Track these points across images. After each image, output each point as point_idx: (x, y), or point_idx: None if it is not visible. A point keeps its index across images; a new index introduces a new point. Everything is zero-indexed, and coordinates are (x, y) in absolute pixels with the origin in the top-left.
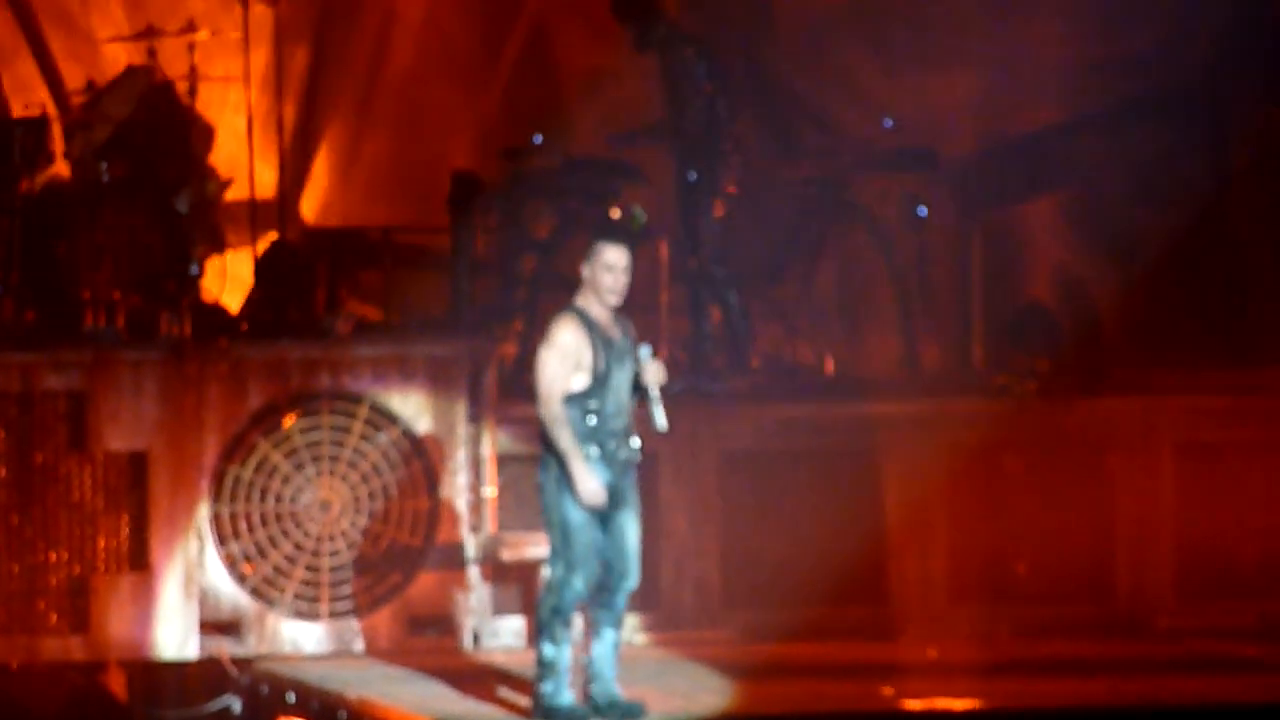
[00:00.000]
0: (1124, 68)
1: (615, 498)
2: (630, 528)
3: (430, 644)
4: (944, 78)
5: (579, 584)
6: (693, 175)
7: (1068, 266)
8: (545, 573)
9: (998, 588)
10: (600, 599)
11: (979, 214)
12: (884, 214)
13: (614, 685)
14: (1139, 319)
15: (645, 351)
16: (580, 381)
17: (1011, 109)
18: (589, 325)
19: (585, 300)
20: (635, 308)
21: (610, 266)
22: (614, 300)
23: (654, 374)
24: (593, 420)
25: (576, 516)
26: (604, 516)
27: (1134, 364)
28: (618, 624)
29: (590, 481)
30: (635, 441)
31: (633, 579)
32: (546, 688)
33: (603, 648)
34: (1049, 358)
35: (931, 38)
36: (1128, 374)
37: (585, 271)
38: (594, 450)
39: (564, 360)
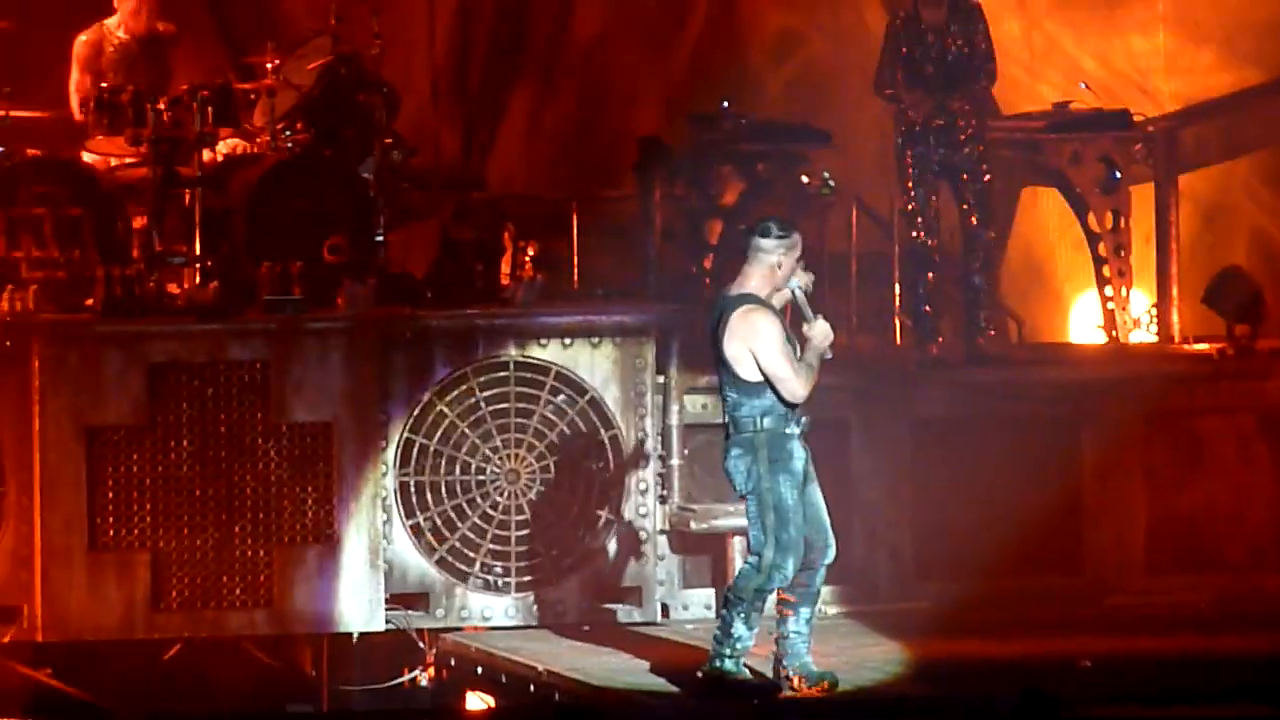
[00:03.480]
0: None
1: (806, 473)
2: (819, 499)
3: (619, 615)
4: (1141, 38)
5: (790, 567)
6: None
7: (1266, 230)
8: (743, 552)
9: (1197, 557)
10: (799, 577)
11: (1176, 177)
12: (1079, 177)
13: (810, 659)
14: None
15: (794, 282)
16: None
17: (1208, 70)
18: (773, 311)
19: (760, 286)
20: (827, 275)
21: (798, 254)
22: (807, 285)
23: (828, 339)
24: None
25: (790, 496)
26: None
27: None
28: (814, 601)
29: (821, 327)
30: (807, 417)
31: (832, 550)
32: (731, 665)
33: (799, 624)
34: (1248, 323)
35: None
36: None
37: (776, 261)
38: (793, 428)
39: (786, 343)
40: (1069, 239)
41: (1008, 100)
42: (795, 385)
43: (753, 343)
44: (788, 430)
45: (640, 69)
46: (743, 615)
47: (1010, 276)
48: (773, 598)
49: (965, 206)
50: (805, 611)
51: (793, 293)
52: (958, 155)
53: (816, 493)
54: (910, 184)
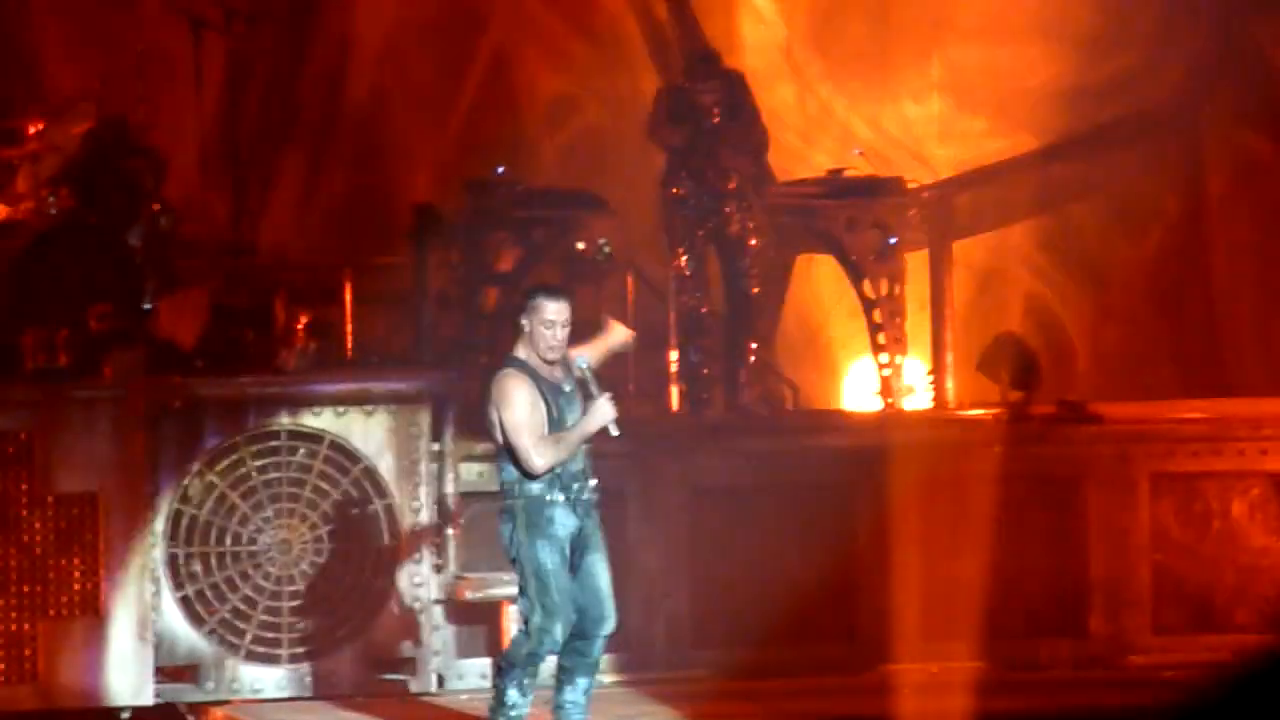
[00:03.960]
0: (1097, 94)
1: (582, 541)
2: (600, 570)
3: (393, 687)
4: (914, 104)
5: (558, 631)
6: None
7: (1040, 296)
8: (517, 619)
9: (971, 623)
10: (575, 646)
11: (950, 243)
12: (853, 243)
13: None
14: (1113, 349)
15: (605, 398)
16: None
17: (982, 136)
18: (533, 376)
19: (525, 352)
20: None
21: (550, 322)
22: (552, 355)
23: (609, 419)
24: (556, 469)
25: (551, 562)
26: (573, 563)
27: (1108, 396)
28: (592, 671)
29: (604, 407)
30: (593, 482)
31: (610, 622)
32: None
33: (575, 694)
34: (1023, 389)
35: (901, 62)
36: (1102, 406)
37: (524, 324)
38: (559, 495)
39: (532, 411)
40: (844, 305)
41: (783, 166)
42: (530, 457)
43: (500, 408)
44: (549, 497)
45: (414, 134)
46: (515, 682)
47: (785, 342)
48: (551, 665)
49: (732, 272)
50: (582, 681)
51: (581, 369)
52: (724, 221)
53: (597, 562)
54: (681, 249)
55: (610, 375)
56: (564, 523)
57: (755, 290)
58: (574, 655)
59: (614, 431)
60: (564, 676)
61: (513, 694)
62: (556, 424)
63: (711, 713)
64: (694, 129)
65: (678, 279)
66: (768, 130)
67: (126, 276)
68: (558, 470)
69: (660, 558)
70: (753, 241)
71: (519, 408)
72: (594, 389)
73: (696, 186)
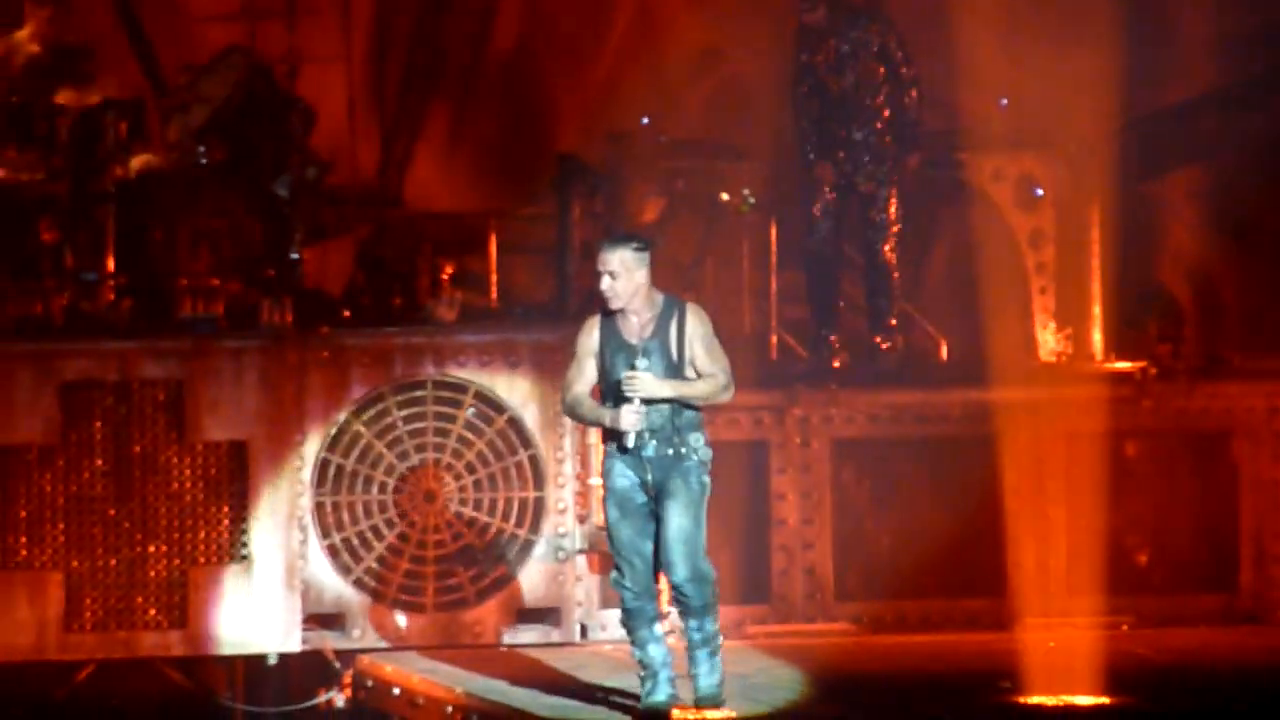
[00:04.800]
0: (1245, 45)
1: (661, 494)
2: (671, 519)
3: (537, 635)
4: (1061, 55)
5: (627, 581)
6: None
7: (1189, 249)
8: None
9: (1119, 578)
10: (675, 595)
11: (1098, 195)
12: (999, 195)
13: (700, 679)
14: (1263, 303)
15: (641, 364)
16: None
17: (1131, 87)
18: (606, 329)
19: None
20: (748, 292)
21: (597, 273)
22: (613, 303)
23: (640, 387)
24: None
25: (612, 514)
26: (651, 513)
27: (1258, 350)
28: (695, 615)
29: (622, 415)
30: (686, 439)
31: (677, 570)
32: (643, 687)
33: (687, 641)
34: (1170, 342)
35: (1046, 13)
36: (1249, 359)
37: None
38: (612, 449)
39: (578, 363)
40: (992, 257)
41: (926, 116)
42: (561, 393)
43: None
44: (608, 449)
45: (559, 86)
46: (633, 642)
47: (933, 296)
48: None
49: (869, 226)
50: (690, 627)
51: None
52: (861, 175)
53: (668, 509)
54: (817, 203)
55: (753, 324)
56: (624, 475)
57: (888, 245)
58: (676, 603)
59: (629, 442)
60: (680, 619)
61: (634, 651)
62: (608, 377)
63: (851, 665)
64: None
65: (813, 231)
66: (916, 81)
67: (275, 226)
68: (614, 437)
69: (801, 510)
70: (884, 194)
71: (575, 350)
72: (626, 391)
73: (826, 140)
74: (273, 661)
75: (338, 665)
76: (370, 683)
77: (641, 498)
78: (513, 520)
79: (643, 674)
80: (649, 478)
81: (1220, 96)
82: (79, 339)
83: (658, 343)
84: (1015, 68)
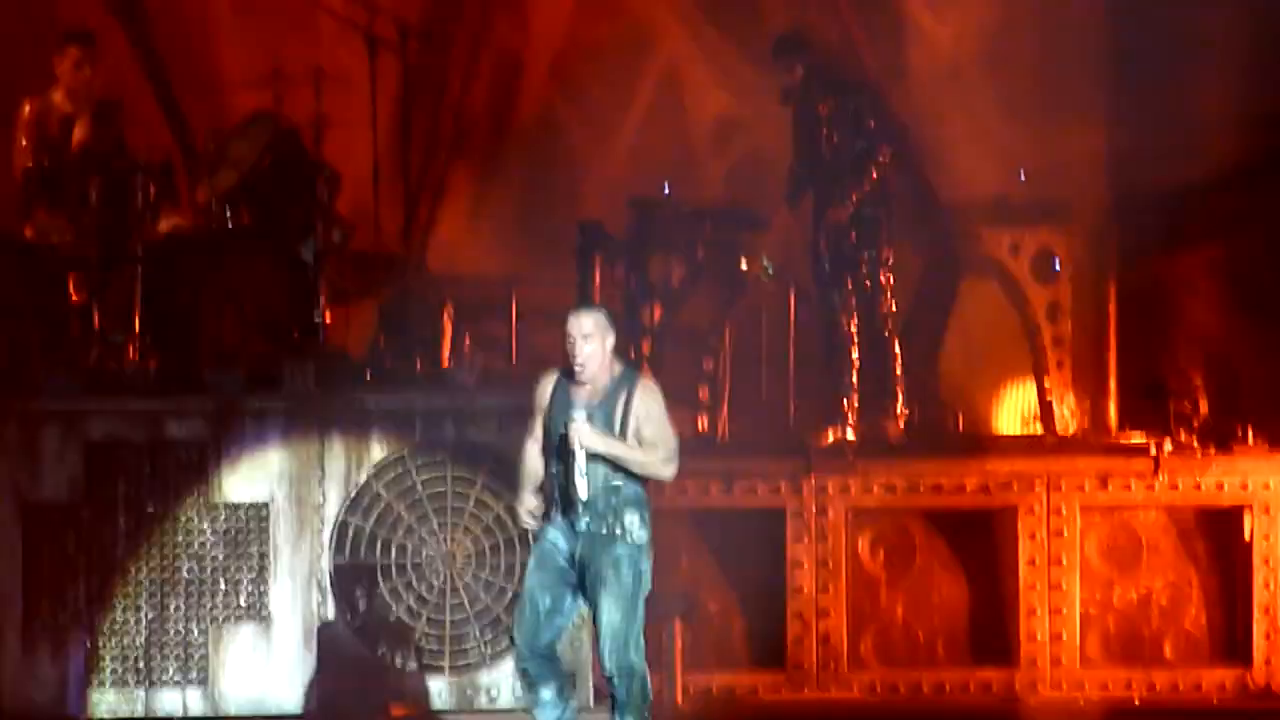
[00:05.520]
0: (1264, 123)
1: (591, 577)
2: (602, 611)
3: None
4: (1080, 129)
5: (517, 634)
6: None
7: (1205, 325)
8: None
9: (1131, 650)
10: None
11: (1115, 269)
12: (1017, 268)
13: None
14: (1277, 379)
15: (579, 414)
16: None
17: (1150, 162)
18: (560, 388)
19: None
20: (766, 360)
21: (568, 336)
22: (579, 371)
23: (578, 435)
24: (551, 483)
25: (531, 562)
26: (566, 580)
27: (1271, 425)
28: (620, 711)
29: (520, 504)
30: (622, 518)
31: (605, 663)
32: None
33: None
34: (1185, 418)
35: (1065, 88)
36: (1263, 435)
37: None
38: (556, 514)
39: (532, 418)
40: (1007, 330)
41: (946, 190)
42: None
43: None
44: (550, 512)
45: (582, 152)
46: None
47: (947, 367)
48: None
49: (869, 293)
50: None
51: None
52: (863, 246)
53: (599, 601)
54: (828, 271)
55: (771, 392)
56: (555, 537)
57: (888, 314)
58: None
59: (582, 495)
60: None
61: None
62: (549, 435)
63: None
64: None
65: (827, 300)
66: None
67: (299, 289)
68: (553, 488)
69: (816, 578)
70: (889, 271)
71: (531, 405)
72: (577, 453)
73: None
74: None
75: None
76: None
77: (562, 562)
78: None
79: None
80: (578, 551)
81: (1238, 174)
82: (105, 399)
83: (603, 409)
84: (1035, 141)
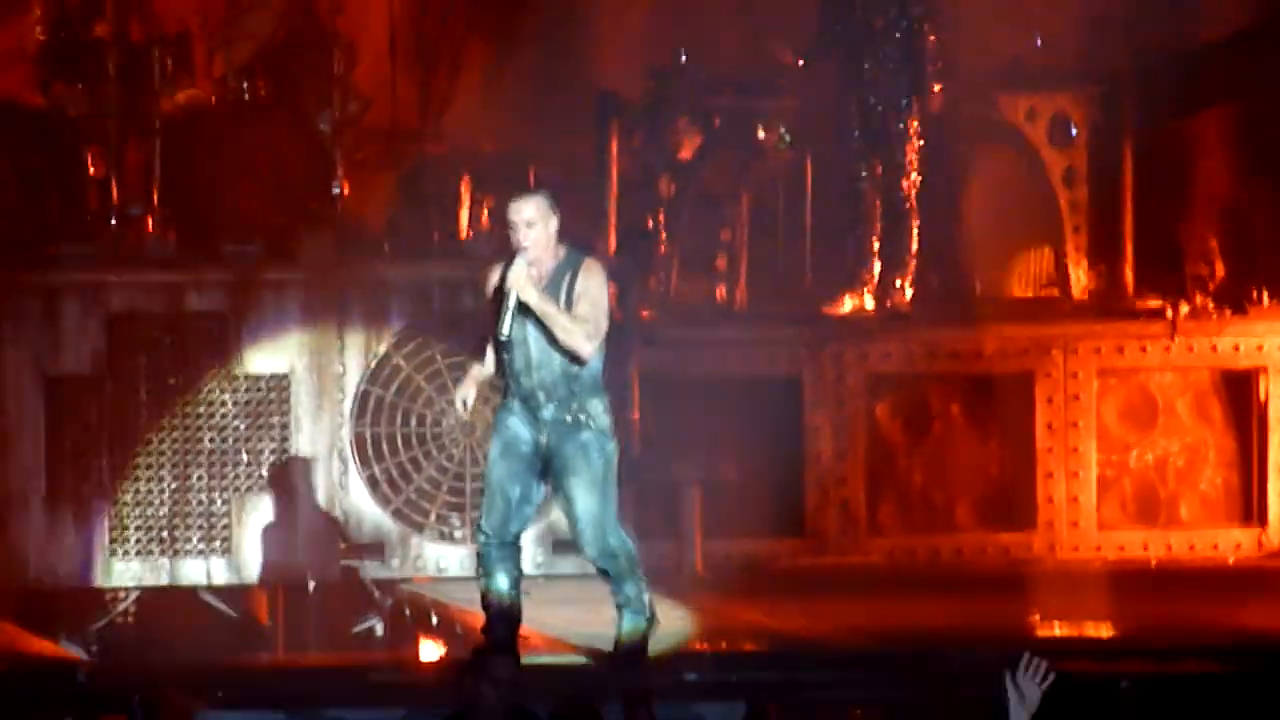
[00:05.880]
0: None
1: (558, 465)
2: (577, 499)
3: (573, 566)
4: None
5: (484, 523)
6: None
7: (1221, 186)
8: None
9: (1148, 512)
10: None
11: (1131, 133)
12: (1034, 133)
13: (620, 629)
14: None
15: (520, 262)
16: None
17: (1167, 24)
18: (503, 271)
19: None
20: (783, 229)
21: (511, 223)
22: (529, 252)
23: (514, 280)
24: (505, 370)
25: (493, 451)
26: (533, 467)
27: None
28: (613, 582)
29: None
30: (568, 405)
31: (589, 550)
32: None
33: (618, 598)
34: (1203, 282)
35: None
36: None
37: None
38: (513, 402)
39: (489, 299)
40: (1023, 196)
41: (962, 54)
42: None
43: None
44: (504, 399)
45: (599, 19)
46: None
47: (964, 233)
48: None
49: (894, 161)
50: (611, 588)
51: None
52: (888, 113)
53: (573, 488)
54: (854, 139)
55: (787, 262)
56: (518, 424)
57: (906, 183)
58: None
59: (502, 332)
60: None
61: (481, 584)
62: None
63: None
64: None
65: (851, 167)
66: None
67: (317, 161)
68: (506, 375)
69: (835, 445)
70: (917, 138)
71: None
72: (509, 297)
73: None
74: (313, 590)
75: (377, 594)
76: (409, 611)
77: (528, 448)
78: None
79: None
80: (543, 439)
81: (1254, 34)
82: (125, 271)
83: (549, 291)
84: (1050, 4)
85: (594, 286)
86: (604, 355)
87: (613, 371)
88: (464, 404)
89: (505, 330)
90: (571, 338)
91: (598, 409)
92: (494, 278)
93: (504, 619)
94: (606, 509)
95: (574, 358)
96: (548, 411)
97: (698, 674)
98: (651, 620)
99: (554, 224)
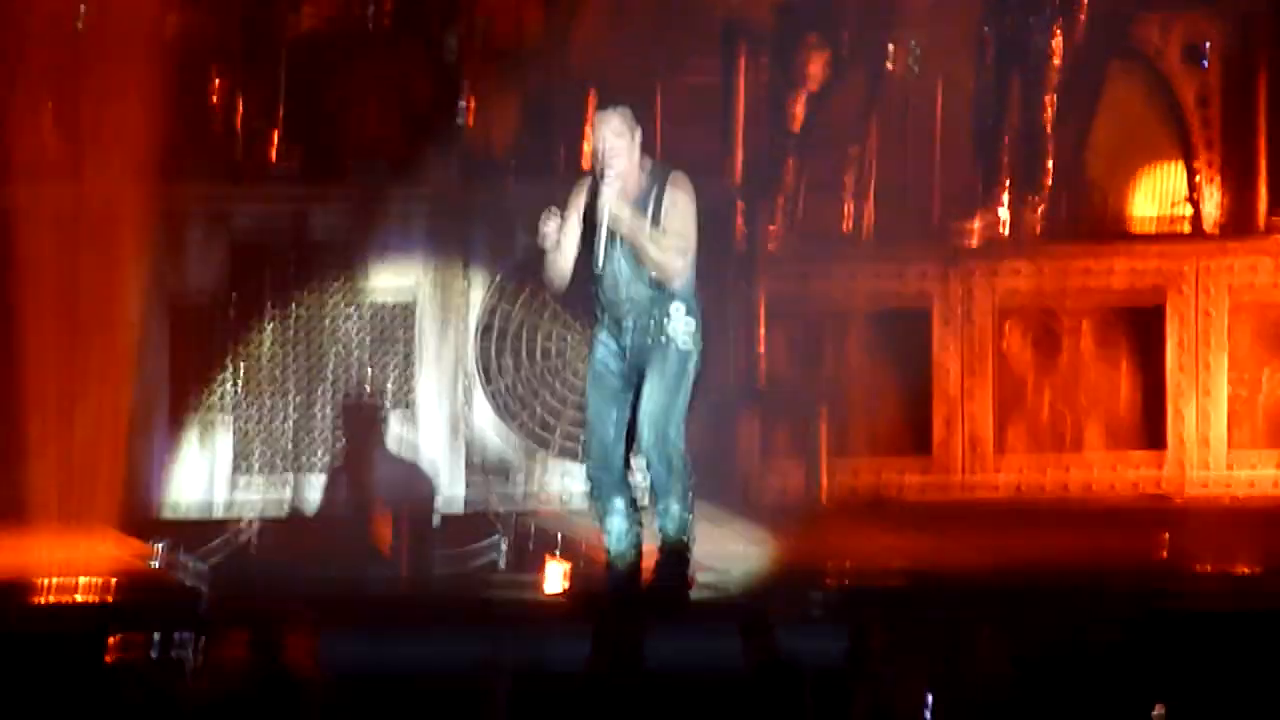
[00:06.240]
0: None
1: (638, 374)
2: (646, 395)
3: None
4: None
5: (590, 467)
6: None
7: None
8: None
9: (1278, 438)
10: (647, 470)
11: (1266, 55)
12: (1167, 52)
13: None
14: None
15: (610, 185)
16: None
17: None
18: (592, 192)
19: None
20: (911, 157)
21: (596, 134)
22: (615, 165)
23: (605, 201)
24: (596, 293)
25: (589, 379)
26: (624, 391)
27: None
28: (661, 495)
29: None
30: (666, 328)
31: (644, 438)
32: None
33: (660, 511)
34: None
35: None
36: None
37: None
38: (600, 331)
39: (569, 217)
40: (1155, 120)
41: None
42: None
43: None
44: (594, 330)
45: None
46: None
47: (1095, 157)
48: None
49: (1033, 82)
50: (660, 503)
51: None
52: (1035, 33)
53: (645, 385)
54: (990, 61)
55: (916, 189)
56: (605, 345)
57: (1046, 103)
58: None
59: (597, 261)
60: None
61: (598, 523)
62: (586, 247)
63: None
64: None
65: (982, 91)
66: None
67: (442, 83)
68: (598, 300)
69: (962, 370)
70: (1057, 60)
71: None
72: (600, 226)
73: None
74: (436, 514)
75: (502, 512)
76: (533, 534)
77: (616, 377)
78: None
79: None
80: (627, 359)
81: None
82: (249, 194)
83: (636, 206)
84: None
85: (682, 201)
86: (694, 271)
87: (739, 298)
88: (546, 227)
89: (600, 262)
90: (661, 255)
91: (681, 326)
92: (580, 199)
93: (622, 554)
94: (672, 411)
95: (664, 276)
96: (633, 330)
97: (821, 599)
98: (685, 543)
99: (638, 136)
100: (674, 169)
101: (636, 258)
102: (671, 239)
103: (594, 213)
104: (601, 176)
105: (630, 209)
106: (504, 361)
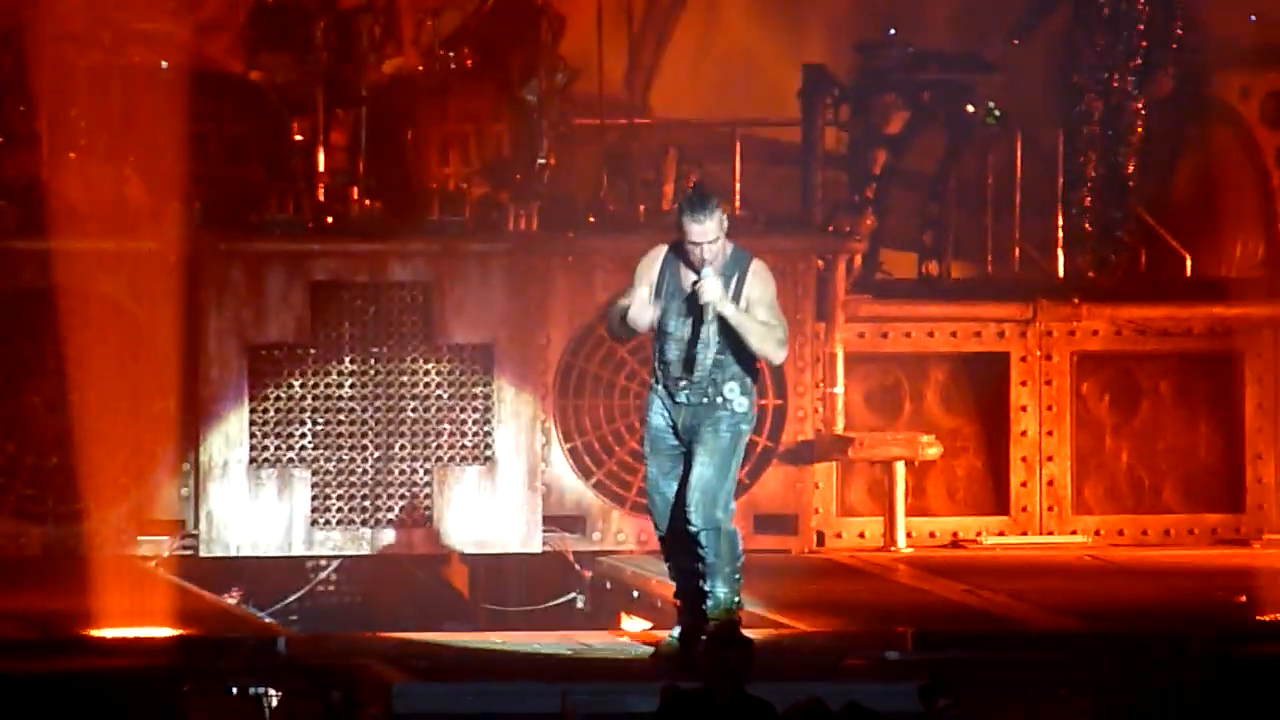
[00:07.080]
0: None
1: (689, 440)
2: (695, 465)
3: (775, 542)
4: None
5: (658, 528)
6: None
7: None
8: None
9: None
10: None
11: None
12: (1247, 111)
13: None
14: None
15: (709, 272)
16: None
17: None
18: (671, 264)
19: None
20: (992, 205)
21: (692, 244)
22: (713, 264)
23: (710, 292)
24: (657, 356)
25: (646, 448)
26: (679, 457)
27: None
28: (708, 574)
29: (704, 283)
30: (722, 390)
31: (693, 519)
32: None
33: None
34: None
35: None
36: None
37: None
38: (659, 386)
39: (636, 283)
40: (1235, 175)
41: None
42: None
43: None
44: (652, 382)
45: None
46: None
47: (1175, 211)
48: None
49: (1111, 139)
50: (704, 585)
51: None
52: (1116, 89)
53: (696, 455)
54: (1076, 114)
55: (997, 237)
56: (659, 413)
57: (1128, 157)
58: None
59: (704, 360)
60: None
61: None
62: (662, 320)
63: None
64: None
65: (1068, 143)
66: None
67: (522, 132)
68: (660, 362)
69: (1041, 422)
70: (1130, 107)
71: (634, 278)
72: (707, 311)
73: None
74: (514, 563)
75: (578, 567)
76: (609, 585)
77: (671, 440)
78: (753, 427)
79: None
80: (680, 422)
81: None
82: (329, 240)
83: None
84: None
85: (769, 289)
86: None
87: (816, 347)
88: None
89: (709, 358)
90: (767, 345)
91: (735, 393)
92: (649, 265)
93: (691, 608)
94: (722, 481)
95: (766, 361)
96: (682, 395)
97: (898, 652)
98: (731, 626)
99: (726, 225)
100: (752, 257)
101: (730, 340)
102: (775, 329)
103: (676, 282)
104: (676, 252)
105: (733, 307)
106: (581, 418)
